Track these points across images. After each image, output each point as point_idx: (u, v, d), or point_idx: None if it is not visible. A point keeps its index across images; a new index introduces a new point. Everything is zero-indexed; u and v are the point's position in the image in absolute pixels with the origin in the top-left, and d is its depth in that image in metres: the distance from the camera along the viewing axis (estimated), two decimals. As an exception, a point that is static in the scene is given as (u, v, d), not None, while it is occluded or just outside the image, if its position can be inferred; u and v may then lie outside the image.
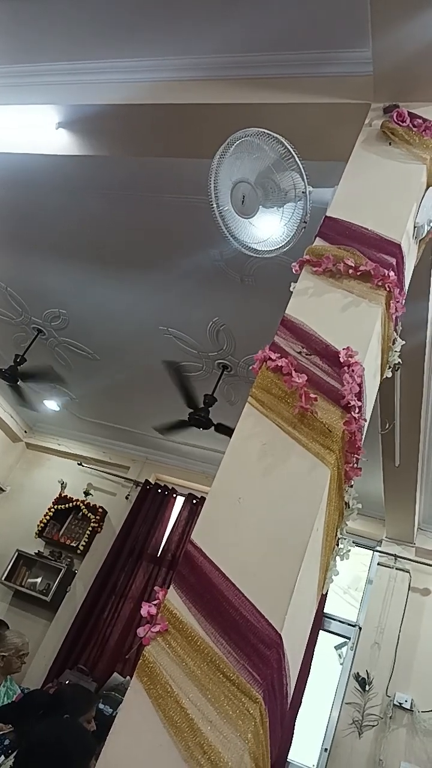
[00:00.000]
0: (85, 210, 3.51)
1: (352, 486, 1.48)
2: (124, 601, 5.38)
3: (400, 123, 1.89)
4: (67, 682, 4.67)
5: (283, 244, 1.86)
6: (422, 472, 3.97)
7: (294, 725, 4.27)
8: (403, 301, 1.67)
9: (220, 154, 1.83)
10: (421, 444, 3.58)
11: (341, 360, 1.41)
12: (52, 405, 6.02)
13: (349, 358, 1.41)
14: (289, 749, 4.26)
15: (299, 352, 1.47)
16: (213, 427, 4.27)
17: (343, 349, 1.43)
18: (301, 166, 1.75)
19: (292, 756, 4.41)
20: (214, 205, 1.89)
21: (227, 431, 4.32)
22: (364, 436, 1.46)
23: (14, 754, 2.30)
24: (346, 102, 2.11)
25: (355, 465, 1.44)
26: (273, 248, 1.88)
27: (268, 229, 1.86)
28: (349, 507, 1.48)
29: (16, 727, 2.63)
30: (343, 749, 4.25)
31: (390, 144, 1.88)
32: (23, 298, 4.70)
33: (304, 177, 1.76)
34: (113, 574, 5.53)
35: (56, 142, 2.75)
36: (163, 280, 3.81)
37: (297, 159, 1.74)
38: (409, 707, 4.27)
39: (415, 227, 1.75)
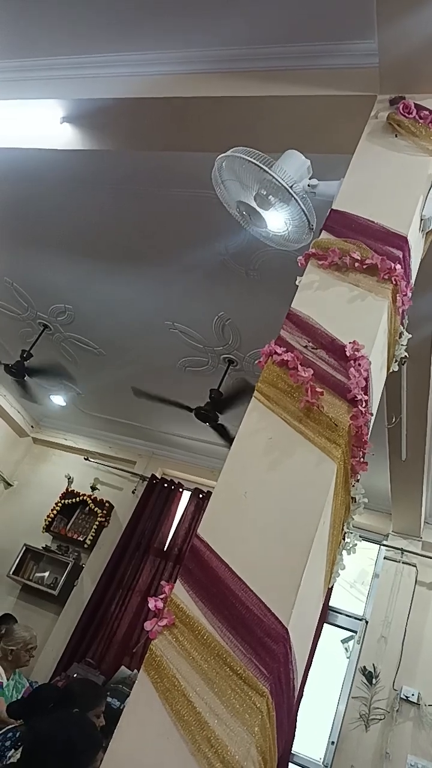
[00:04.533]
0: (90, 205, 3.51)
1: (358, 480, 1.47)
2: (131, 595, 5.40)
3: (406, 115, 1.87)
4: (75, 676, 4.70)
5: (304, 234, 1.85)
6: (429, 466, 3.96)
7: (296, 717, 4.27)
8: (410, 294, 1.66)
9: (216, 183, 1.84)
10: (427, 438, 3.57)
11: (347, 354, 1.41)
12: (58, 400, 6.04)
13: (356, 352, 1.41)
14: (293, 741, 4.27)
15: (305, 347, 1.46)
16: (214, 425, 4.27)
17: (350, 343, 1.43)
18: (274, 174, 1.73)
19: (299, 749, 4.42)
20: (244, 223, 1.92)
21: (225, 433, 4.33)
22: (370, 430, 1.46)
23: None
24: (351, 94, 2.10)
25: (362, 459, 1.43)
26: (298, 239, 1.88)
27: (280, 227, 1.87)
28: (355, 501, 1.48)
29: (26, 722, 2.65)
30: (350, 743, 4.27)
31: (396, 136, 1.87)
32: (29, 293, 4.71)
33: (282, 181, 1.74)
34: (120, 568, 5.55)
35: (61, 137, 2.75)
36: (168, 274, 3.81)
37: (266, 169, 1.72)
38: (415, 701, 4.27)
39: (421, 220, 1.74)
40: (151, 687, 1.20)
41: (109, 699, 3.85)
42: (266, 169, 1.72)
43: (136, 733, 1.19)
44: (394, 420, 3.26)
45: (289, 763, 4.26)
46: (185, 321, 4.20)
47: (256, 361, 1.53)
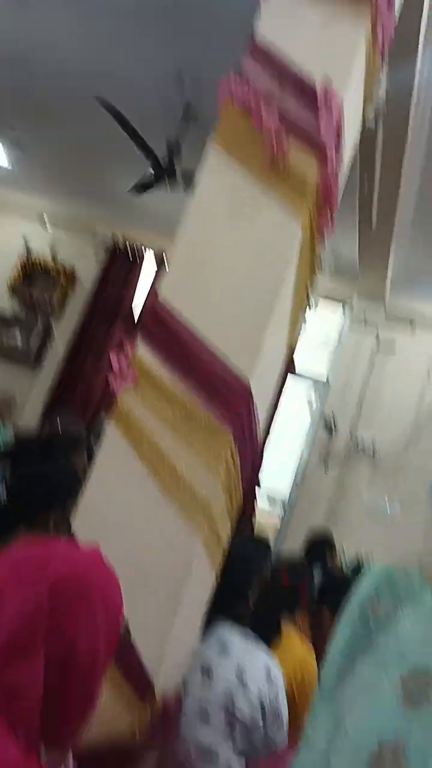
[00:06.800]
0: None
1: (325, 240, 1.41)
2: (104, 356, 5.54)
3: None
4: (58, 420, 4.92)
5: None
6: (397, 233, 3.87)
7: (261, 459, 4.66)
8: (395, 17, 1.43)
9: None
10: (398, 201, 3.43)
11: (317, 92, 1.24)
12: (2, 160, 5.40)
13: (327, 88, 1.24)
14: (258, 473, 4.72)
15: (270, 82, 1.27)
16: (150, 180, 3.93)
17: (320, 77, 1.24)
18: None
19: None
20: None
21: (146, 187, 4.01)
22: (341, 190, 1.35)
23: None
24: None
25: (330, 219, 1.35)
26: None
27: None
28: (320, 262, 1.43)
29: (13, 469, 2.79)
30: (312, 481, 4.77)
31: None
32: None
33: None
34: (89, 332, 5.66)
35: None
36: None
37: None
38: (371, 447, 4.69)
39: None
40: (120, 437, 1.25)
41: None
42: None
43: (109, 478, 1.27)
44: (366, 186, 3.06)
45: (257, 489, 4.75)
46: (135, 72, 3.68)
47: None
